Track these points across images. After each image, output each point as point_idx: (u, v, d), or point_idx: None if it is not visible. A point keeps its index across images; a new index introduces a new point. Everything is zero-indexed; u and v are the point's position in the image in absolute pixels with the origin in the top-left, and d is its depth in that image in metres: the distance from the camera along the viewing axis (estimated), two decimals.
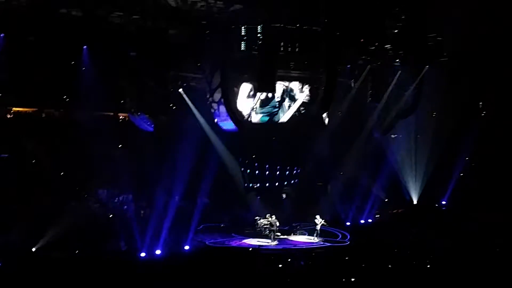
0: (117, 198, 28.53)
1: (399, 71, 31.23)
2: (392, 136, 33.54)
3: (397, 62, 31.05)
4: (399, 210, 32.33)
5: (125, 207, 28.30)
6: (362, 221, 30.53)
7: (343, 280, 20.09)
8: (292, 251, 24.62)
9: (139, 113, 28.30)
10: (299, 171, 31.78)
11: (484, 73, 30.71)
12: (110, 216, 27.25)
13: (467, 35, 27.73)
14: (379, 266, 21.49)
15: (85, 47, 26.25)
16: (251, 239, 26.96)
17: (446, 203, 33.17)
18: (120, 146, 29.37)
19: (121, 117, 30.55)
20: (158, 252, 23.40)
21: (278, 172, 31.16)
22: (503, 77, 31.05)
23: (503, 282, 19.93)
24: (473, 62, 29.99)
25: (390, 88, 31.53)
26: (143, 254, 22.81)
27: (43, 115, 29.98)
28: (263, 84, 27.90)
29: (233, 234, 27.42)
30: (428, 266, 21.78)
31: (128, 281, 19.12)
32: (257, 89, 28.61)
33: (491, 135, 32.99)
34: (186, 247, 24.51)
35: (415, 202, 32.89)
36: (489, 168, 32.85)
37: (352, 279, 20.09)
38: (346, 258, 22.68)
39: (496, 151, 32.89)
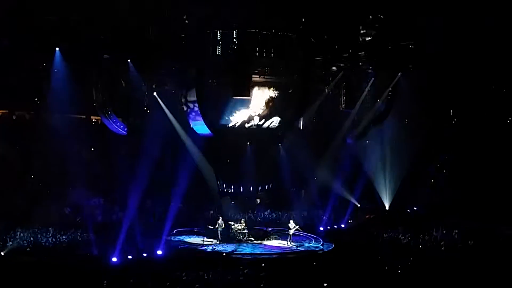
0: (88, 201, 28.22)
1: (372, 78, 31.59)
2: (367, 142, 33.87)
3: (370, 69, 31.40)
4: (371, 216, 32.61)
5: (97, 210, 28.02)
6: (335, 226, 30.71)
7: (316, 285, 20.20)
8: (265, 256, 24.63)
9: (112, 116, 28.07)
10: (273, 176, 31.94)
11: (455, 80, 31.25)
12: (78, 219, 26.89)
13: (439, 43, 28.19)
14: (351, 271, 21.63)
15: (57, 49, 25.98)
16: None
17: (417, 209, 33.60)
18: (92, 149, 29.13)
19: (93, 120, 30.31)
20: (130, 257, 23.13)
21: (252, 177, 31.21)
22: (474, 84, 31.65)
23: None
24: (444, 70, 30.49)
25: (363, 94, 31.88)
26: (115, 259, 22.53)
27: (14, 117, 29.58)
28: (238, 89, 27.97)
29: (205, 238, 27.26)
30: (399, 271, 22.00)
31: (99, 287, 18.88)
32: (232, 94, 28.66)
33: (462, 142, 33.57)
34: (159, 252, 24.30)
35: (387, 207, 33.23)
36: (460, 175, 33.41)
37: (325, 284, 20.19)
38: (319, 263, 22.79)
39: (467, 157, 33.47)
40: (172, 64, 28.11)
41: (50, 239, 24.32)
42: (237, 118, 29.60)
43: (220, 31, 28.04)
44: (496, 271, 21.51)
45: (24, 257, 21.75)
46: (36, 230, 24.44)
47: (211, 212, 30.37)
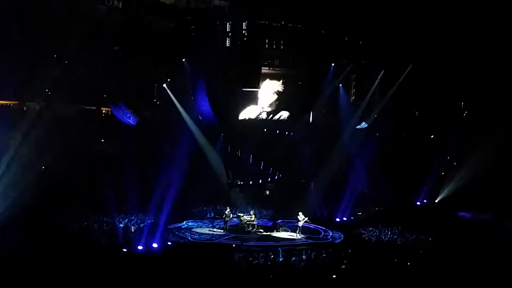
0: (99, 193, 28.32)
1: (382, 70, 31.45)
2: (376, 134, 33.78)
3: (380, 61, 31.26)
4: (381, 208, 32.55)
5: (108, 202, 28.12)
6: (344, 218, 30.70)
7: (325, 276, 20.25)
8: (274, 248, 24.65)
9: (122, 108, 28.16)
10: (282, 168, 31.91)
11: (466, 73, 31.08)
12: (88, 211, 27.04)
13: (450, 35, 28.07)
14: (360, 263, 21.66)
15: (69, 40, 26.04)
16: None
17: (427, 201, 33.50)
18: (102, 140, 29.23)
19: (104, 111, 30.38)
20: (140, 247, 23.26)
21: (261, 169, 31.23)
22: (484, 77, 31.45)
23: (483, 279, 20.26)
24: (455, 62, 30.34)
25: (374, 87, 31.76)
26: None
27: (25, 108, 29.69)
28: (248, 80, 28.00)
29: (214, 230, 27.34)
30: (408, 263, 22.00)
31: (110, 275, 19.02)
32: (241, 86, 28.71)
33: (472, 135, 33.37)
34: (169, 243, 24.40)
35: (396, 200, 33.13)
36: (470, 167, 33.25)
37: (334, 276, 20.25)
38: (328, 254, 22.84)
39: (477, 150, 33.28)
40: (181, 56, 28.13)
41: (61, 229, 24.49)
42: (246, 114, 29.60)
43: (230, 22, 27.98)
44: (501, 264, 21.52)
45: (37, 246, 21.89)
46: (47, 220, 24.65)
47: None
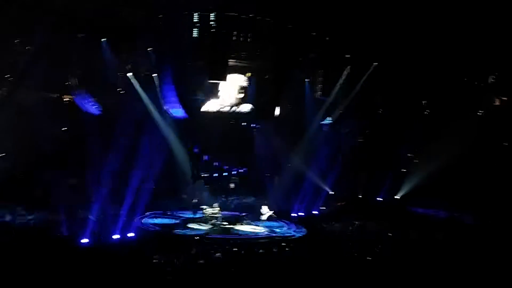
0: (59, 182, 27.82)
1: (349, 66, 31.69)
2: (341, 130, 34.09)
3: (347, 57, 31.46)
4: (343, 203, 32.97)
5: (68, 191, 27.65)
6: (308, 213, 30.97)
7: (287, 270, 20.36)
8: (237, 240, 24.69)
9: (85, 96, 27.62)
10: (247, 162, 31.96)
11: (428, 72, 31.57)
12: (49, 200, 26.52)
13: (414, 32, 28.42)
14: (322, 257, 21.86)
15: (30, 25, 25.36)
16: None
17: (388, 197, 34.04)
18: (65, 129, 28.69)
19: (66, 99, 29.82)
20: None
21: (227, 162, 31.21)
22: (446, 75, 32.01)
23: (441, 274, 20.70)
24: (417, 61, 30.78)
25: (339, 83, 31.98)
26: (85, 240, 22.35)
27: None
28: (214, 73, 27.81)
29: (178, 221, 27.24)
30: (369, 258, 22.30)
31: (71, 268, 18.69)
32: (208, 78, 28.48)
33: (434, 133, 33.95)
34: (131, 234, 24.20)
35: (359, 195, 33.60)
36: (431, 165, 33.86)
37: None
38: (290, 248, 22.99)
39: (439, 148, 33.91)
40: (147, 45, 27.75)
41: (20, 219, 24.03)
42: (208, 106, 29.43)
43: (198, 13, 27.71)
44: (462, 259, 22.02)
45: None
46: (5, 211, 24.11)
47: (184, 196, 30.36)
